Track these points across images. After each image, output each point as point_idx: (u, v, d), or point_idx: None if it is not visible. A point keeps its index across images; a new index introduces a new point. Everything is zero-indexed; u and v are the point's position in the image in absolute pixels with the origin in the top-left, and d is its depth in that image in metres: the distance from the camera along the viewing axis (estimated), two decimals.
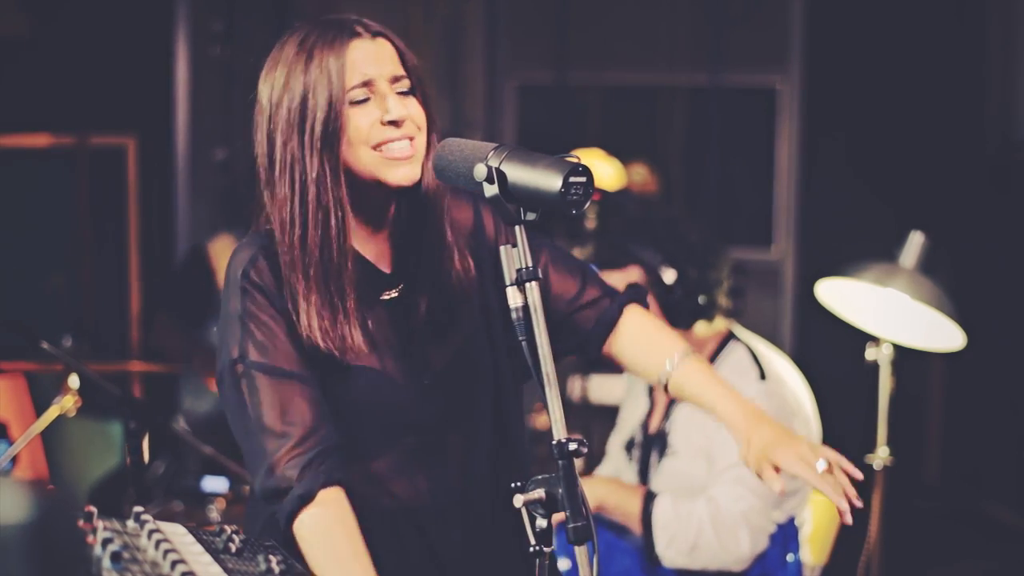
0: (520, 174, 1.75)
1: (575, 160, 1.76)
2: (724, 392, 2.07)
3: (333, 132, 1.88)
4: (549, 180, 1.72)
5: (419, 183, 1.95)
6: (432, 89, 2.04)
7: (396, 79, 1.93)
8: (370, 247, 1.99)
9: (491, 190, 1.76)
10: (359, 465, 1.92)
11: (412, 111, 1.93)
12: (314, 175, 1.88)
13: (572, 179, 1.72)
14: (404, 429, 1.94)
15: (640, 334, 2.15)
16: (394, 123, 1.90)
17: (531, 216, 1.77)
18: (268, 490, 1.84)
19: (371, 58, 1.91)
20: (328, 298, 1.90)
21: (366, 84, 1.90)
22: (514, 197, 1.76)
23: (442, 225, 2.00)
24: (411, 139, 1.92)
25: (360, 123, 1.90)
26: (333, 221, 1.89)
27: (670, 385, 2.12)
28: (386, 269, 2.00)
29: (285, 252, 1.90)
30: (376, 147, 1.90)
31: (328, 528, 1.82)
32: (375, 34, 1.94)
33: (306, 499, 1.82)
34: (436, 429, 1.98)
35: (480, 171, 1.77)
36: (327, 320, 1.89)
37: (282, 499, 1.83)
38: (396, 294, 1.99)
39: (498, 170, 1.76)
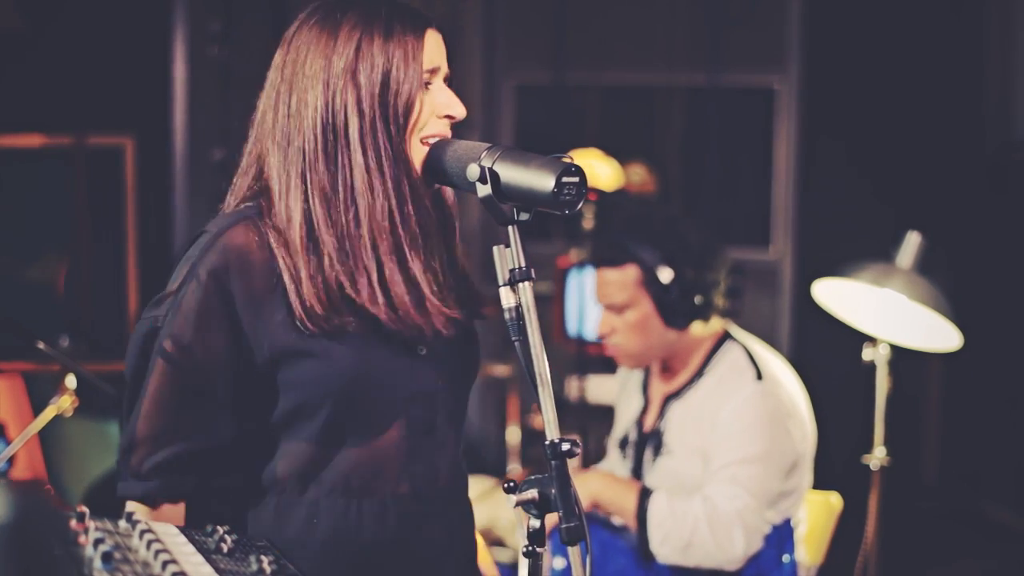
0: (513, 174, 1.75)
1: (568, 160, 1.76)
2: None
3: (409, 112, 1.88)
4: (542, 180, 1.72)
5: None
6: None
7: (447, 77, 1.96)
8: None
9: (484, 190, 1.76)
10: (348, 448, 1.90)
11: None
12: (399, 149, 1.88)
13: (565, 179, 1.73)
14: (403, 405, 1.92)
15: None
16: (450, 118, 1.92)
17: (524, 216, 1.77)
18: (121, 470, 1.85)
19: (440, 48, 1.94)
20: (399, 266, 1.87)
21: (433, 72, 1.92)
22: (507, 197, 1.76)
23: (450, 209, 2.01)
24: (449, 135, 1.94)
25: (423, 110, 1.91)
26: (422, 193, 1.89)
27: None
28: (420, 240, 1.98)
29: (352, 221, 1.86)
30: (425, 138, 1.91)
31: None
32: (438, 27, 1.96)
33: (145, 501, 1.84)
34: (431, 403, 1.96)
35: (473, 171, 1.77)
36: (408, 292, 1.87)
37: (127, 482, 1.85)
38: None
39: (491, 170, 1.76)
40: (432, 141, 1.91)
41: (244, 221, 1.91)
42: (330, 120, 1.87)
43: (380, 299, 1.86)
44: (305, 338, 1.86)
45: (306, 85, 1.89)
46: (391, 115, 1.88)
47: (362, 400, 1.89)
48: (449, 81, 1.97)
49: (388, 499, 1.92)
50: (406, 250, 1.88)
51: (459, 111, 1.92)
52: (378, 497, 1.91)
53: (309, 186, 1.88)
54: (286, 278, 1.86)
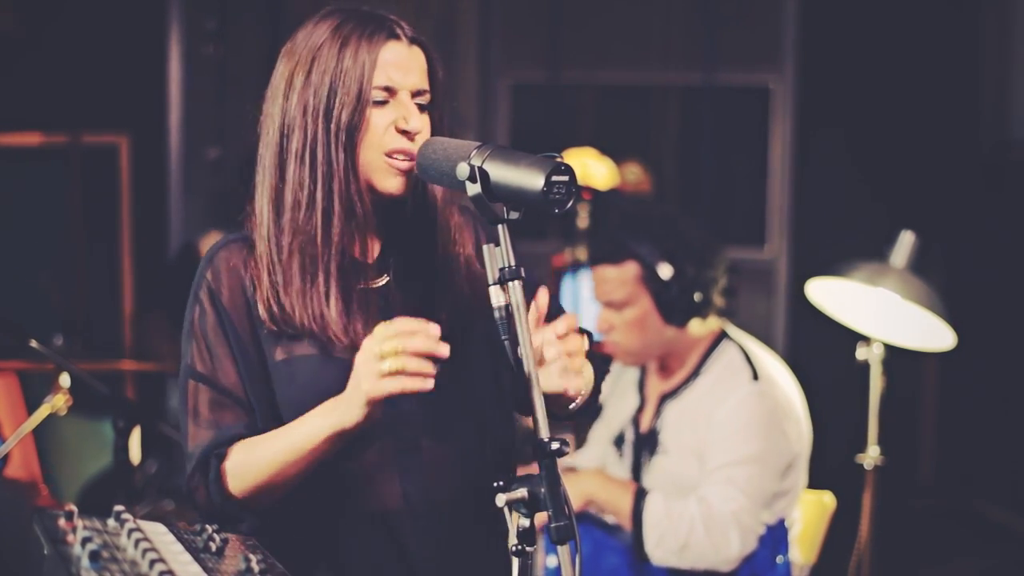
0: (503, 173, 1.75)
1: (558, 159, 1.76)
2: None
3: (356, 125, 1.88)
4: (531, 179, 1.72)
5: (417, 191, 1.96)
6: (455, 104, 2.04)
7: (419, 92, 1.93)
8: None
9: (473, 189, 1.76)
10: (333, 464, 1.90)
11: (425, 127, 1.92)
12: (340, 163, 1.88)
13: (554, 178, 1.72)
14: (380, 427, 1.92)
15: None
16: (407, 133, 1.90)
17: (514, 215, 1.77)
18: (190, 494, 1.90)
19: (402, 64, 1.91)
20: (343, 286, 1.90)
21: (387, 90, 1.90)
22: (497, 196, 1.75)
23: (446, 235, 2.00)
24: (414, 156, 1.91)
25: (376, 123, 1.90)
26: (360, 213, 1.90)
27: None
28: (369, 260, 1.98)
29: (290, 233, 1.90)
30: (388, 153, 1.90)
31: (241, 447, 1.88)
32: (412, 40, 1.94)
33: (218, 480, 1.87)
34: (413, 428, 1.96)
35: (462, 170, 1.76)
36: (337, 308, 1.89)
37: (197, 493, 1.89)
38: (381, 284, 1.98)
39: (480, 169, 1.76)
40: (398, 157, 1.90)
41: (235, 241, 1.98)
42: (284, 131, 1.91)
43: (299, 314, 1.90)
44: (278, 356, 1.92)
45: (273, 96, 1.94)
46: (334, 129, 1.88)
47: None
48: (439, 93, 1.95)
49: (375, 514, 1.93)
50: (327, 267, 1.89)
51: (413, 125, 1.89)
52: (364, 511, 1.92)
53: (264, 199, 1.94)
54: (265, 295, 1.93)
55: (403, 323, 1.73)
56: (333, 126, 1.88)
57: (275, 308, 1.90)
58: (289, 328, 1.91)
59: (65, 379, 2.68)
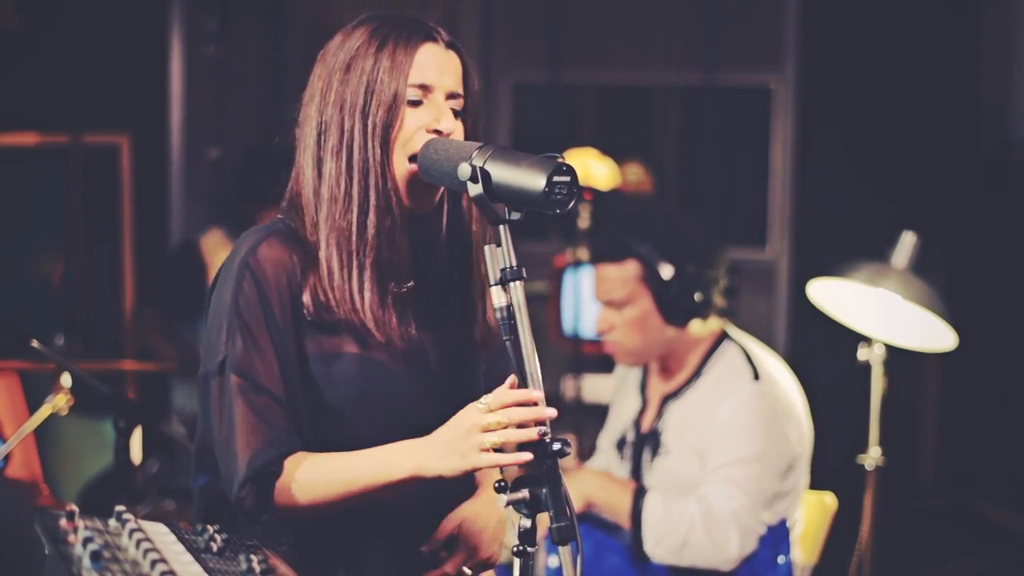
0: (504, 173, 1.75)
1: (559, 159, 1.76)
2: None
3: (391, 124, 1.90)
4: (533, 179, 1.73)
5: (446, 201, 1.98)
6: (484, 116, 2.05)
7: (453, 95, 1.94)
8: None
9: (475, 189, 1.76)
10: None
11: (457, 129, 1.93)
12: (376, 159, 1.90)
13: (556, 178, 1.73)
14: (401, 428, 1.93)
15: None
16: (438, 132, 1.91)
17: (516, 215, 1.78)
18: (239, 502, 1.86)
19: (438, 65, 1.93)
20: (379, 282, 1.91)
21: (423, 88, 1.91)
22: (498, 196, 1.76)
23: (473, 245, 2.01)
24: None
25: (408, 123, 1.91)
26: (396, 210, 1.91)
27: None
28: (400, 263, 1.98)
29: (327, 227, 1.90)
30: (412, 155, 1.91)
31: (306, 465, 1.84)
32: (448, 45, 1.96)
33: (269, 494, 1.84)
34: (425, 434, 1.97)
35: (464, 170, 1.77)
36: (372, 301, 1.90)
37: (246, 510, 1.85)
38: (411, 287, 1.98)
39: (482, 169, 1.76)
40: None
41: (275, 235, 1.95)
42: (321, 130, 1.93)
43: (338, 304, 1.90)
44: (315, 352, 1.91)
45: (310, 98, 1.95)
46: (371, 128, 1.89)
47: (353, 422, 1.92)
48: (472, 100, 1.97)
49: (391, 515, 1.94)
50: (361, 262, 1.90)
51: (446, 125, 1.91)
52: (380, 512, 1.92)
53: (307, 192, 1.93)
54: (306, 290, 1.92)
55: (508, 395, 1.73)
56: (369, 123, 1.90)
57: (321, 297, 1.90)
58: (329, 317, 1.90)
59: (66, 379, 2.68)
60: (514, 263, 1.74)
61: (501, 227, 1.76)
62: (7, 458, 2.95)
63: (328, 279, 1.90)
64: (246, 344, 1.88)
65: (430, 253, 2.00)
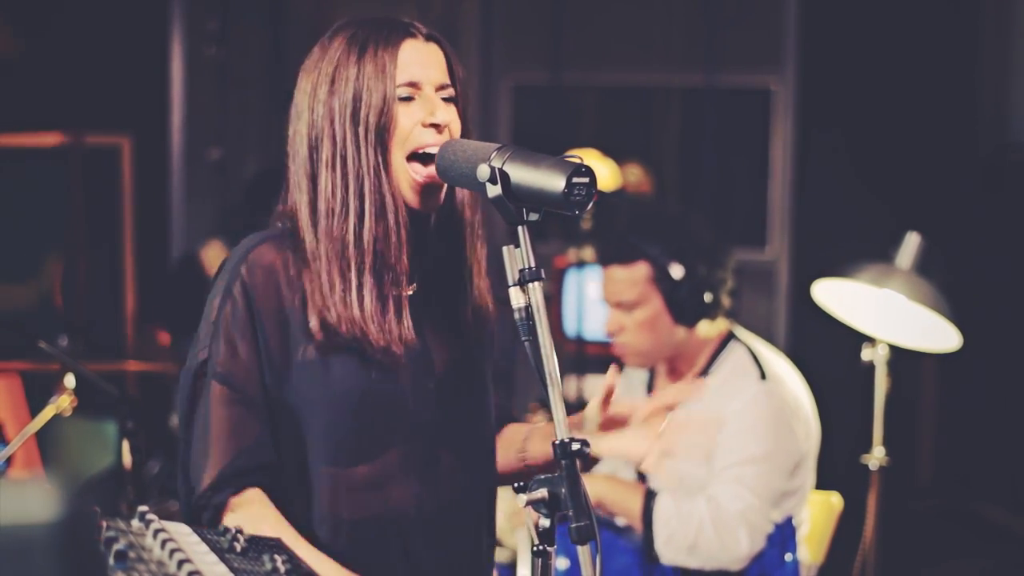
0: (523, 175, 1.76)
1: (578, 160, 1.76)
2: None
3: (385, 126, 1.89)
4: (552, 181, 1.73)
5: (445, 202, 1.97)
6: (473, 104, 2.04)
7: (442, 86, 1.94)
8: None
9: (494, 190, 1.76)
10: (351, 468, 1.91)
11: (452, 119, 1.93)
12: (371, 167, 1.89)
13: (575, 180, 1.73)
14: (404, 432, 1.94)
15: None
16: (436, 126, 1.91)
17: (534, 216, 1.78)
18: (197, 507, 1.89)
19: (422, 60, 1.93)
20: (378, 287, 1.90)
21: (412, 84, 1.91)
22: (517, 197, 1.76)
23: (471, 238, 2.01)
24: None
25: (403, 122, 1.90)
26: (391, 215, 1.90)
27: (528, 449, 2.09)
28: (400, 267, 1.98)
29: (326, 241, 1.90)
30: (415, 151, 1.91)
31: (255, 512, 1.86)
32: (428, 37, 1.95)
33: (220, 508, 1.87)
34: (432, 436, 1.97)
35: (483, 171, 1.77)
36: (372, 307, 1.89)
37: (203, 514, 1.88)
38: (411, 292, 1.99)
39: (501, 171, 1.76)
40: (422, 152, 1.91)
41: (271, 240, 1.96)
42: (313, 143, 1.92)
43: (340, 318, 1.89)
44: (310, 355, 1.91)
45: (298, 113, 1.95)
46: (363, 133, 1.89)
47: (355, 426, 1.92)
48: (460, 86, 1.96)
49: (389, 518, 1.94)
50: (360, 270, 1.89)
51: (442, 117, 1.91)
52: (378, 515, 1.93)
53: (303, 210, 1.93)
54: (298, 298, 1.92)
55: None
56: (361, 129, 1.89)
57: (328, 319, 1.89)
58: (337, 339, 1.90)
59: (70, 380, 2.68)
60: (533, 264, 1.74)
61: (519, 228, 1.76)
62: (9, 460, 2.95)
63: (329, 293, 1.89)
64: (228, 351, 1.89)
65: (427, 251, 2.00)
